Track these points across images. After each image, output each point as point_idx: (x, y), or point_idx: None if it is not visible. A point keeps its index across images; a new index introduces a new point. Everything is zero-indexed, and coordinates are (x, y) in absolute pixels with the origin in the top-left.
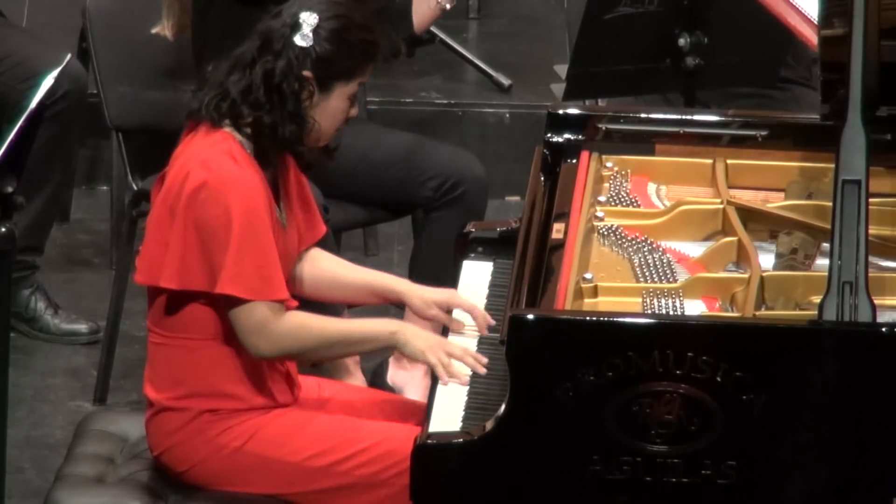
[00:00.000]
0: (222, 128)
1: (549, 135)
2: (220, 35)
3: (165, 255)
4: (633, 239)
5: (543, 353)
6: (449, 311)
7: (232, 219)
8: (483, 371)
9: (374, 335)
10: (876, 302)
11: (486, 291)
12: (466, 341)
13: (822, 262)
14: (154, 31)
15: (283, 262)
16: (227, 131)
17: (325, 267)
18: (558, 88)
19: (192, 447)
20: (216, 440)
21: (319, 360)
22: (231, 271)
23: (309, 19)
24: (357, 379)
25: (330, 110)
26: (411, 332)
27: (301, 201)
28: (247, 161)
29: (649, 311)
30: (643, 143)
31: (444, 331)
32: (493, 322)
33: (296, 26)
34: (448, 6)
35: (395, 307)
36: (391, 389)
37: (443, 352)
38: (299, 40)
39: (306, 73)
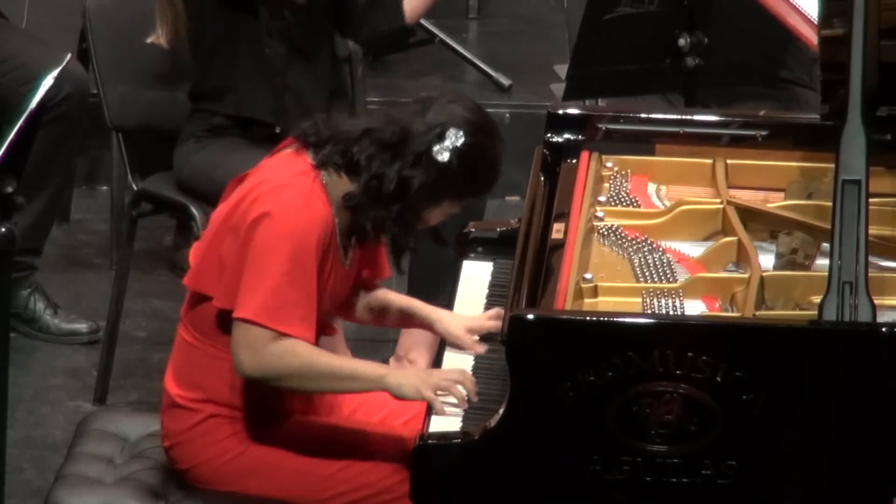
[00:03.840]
0: (321, 170)
1: (549, 135)
2: (215, 41)
3: (219, 272)
4: (633, 239)
5: (543, 353)
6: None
7: (277, 252)
8: (475, 399)
9: (363, 375)
10: (876, 302)
11: (485, 291)
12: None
13: (822, 262)
14: (149, 40)
15: (333, 299)
16: (322, 176)
17: (374, 295)
18: (558, 88)
19: (197, 447)
20: (222, 443)
21: (300, 392)
22: (268, 303)
23: (454, 138)
24: None
25: (429, 217)
26: (401, 374)
27: (372, 247)
28: (321, 204)
29: (649, 311)
30: (643, 143)
31: (442, 345)
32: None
33: (441, 138)
34: None
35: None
36: None
37: (439, 381)
38: (437, 154)
39: (427, 176)
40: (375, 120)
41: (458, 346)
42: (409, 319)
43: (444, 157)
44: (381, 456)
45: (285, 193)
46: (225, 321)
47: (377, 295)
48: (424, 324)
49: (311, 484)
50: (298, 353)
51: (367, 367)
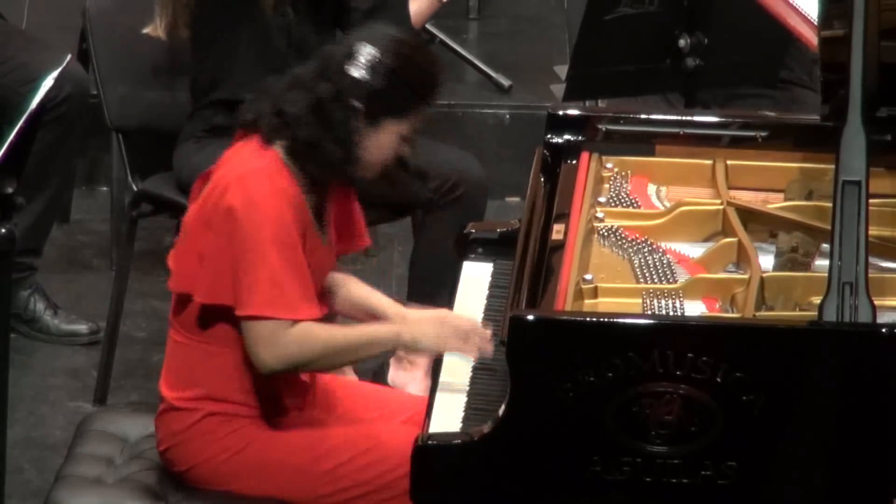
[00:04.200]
0: (272, 145)
1: (549, 135)
2: (216, 32)
3: (198, 267)
4: (633, 240)
5: (543, 353)
6: None
7: (263, 240)
8: (491, 349)
9: (378, 339)
10: (876, 302)
11: (486, 292)
12: None
13: (822, 263)
14: (145, 31)
15: (316, 277)
16: (276, 150)
17: (349, 289)
18: (558, 89)
19: (196, 447)
20: (220, 442)
21: (325, 371)
22: (268, 294)
23: (366, 52)
24: (349, 375)
25: (377, 144)
26: (415, 329)
27: (347, 216)
28: (287, 182)
29: (649, 312)
30: (643, 143)
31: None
32: (489, 348)
33: (353, 56)
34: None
35: None
36: None
37: (453, 334)
38: (353, 71)
39: (356, 103)
40: (302, 67)
41: None
42: (371, 316)
43: (361, 73)
44: (380, 452)
45: (251, 179)
46: (215, 316)
47: (348, 286)
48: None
49: (310, 480)
50: (315, 336)
51: (381, 330)
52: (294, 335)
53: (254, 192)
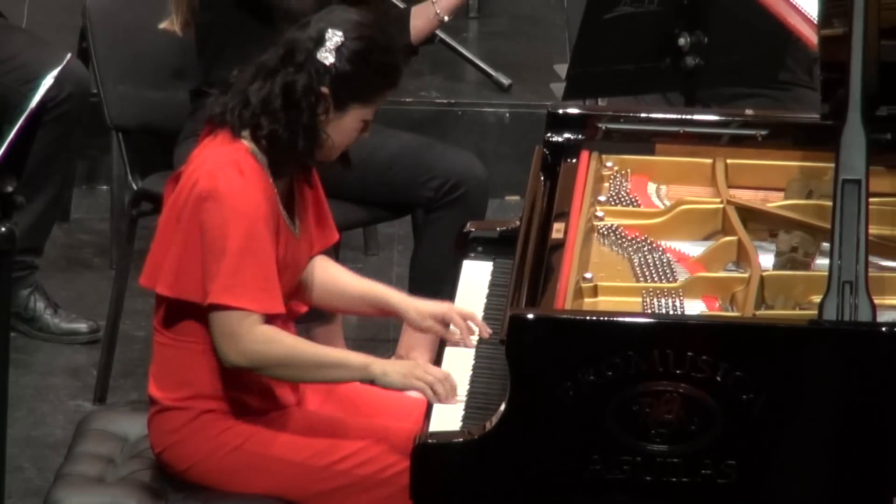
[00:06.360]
0: (241, 138)
1: (549, 134)
2: (225, 35)
3: (165, 260)
4: (633, 238)
5: (543, 352)
6: (445, 324)
7: (230, 232)
8: (454, 401)
9: (347, 363)
10: (876, 302)
11: (485, 291)
12: (463, 352)
13: (822, 262)
14: (162, 26)
15: (291, 270)
16: (244, 142)
17: (330, 275)
18: (558, 88)
19: (192, 445)
20: (217, 439)
21: (288, 381)
22: (225, 282)
23: (334, 36)
24: None
25: (342, 129)
26: (388, 365)
27: (316, 209)
28: (256, 173)
29: (649, 311)
30: (643, 142)
31: (442, 344)
32: (489, 331)
33: (321, 41)
34: (446, 19)
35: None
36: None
37: (424, 374)
38: (322, 56)
39: (324, 89)
40: (266, 55)
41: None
42: (371, 306)
43: (330, 59)
44: (379, 448)
45: (221, 172)
46: (193, 315)
47: (332, 276)
48: (389, 312)
49: (309, 476)
50: (279, 341)
51: (351, 356)
52: (259, 334)
53: (224, 184)
